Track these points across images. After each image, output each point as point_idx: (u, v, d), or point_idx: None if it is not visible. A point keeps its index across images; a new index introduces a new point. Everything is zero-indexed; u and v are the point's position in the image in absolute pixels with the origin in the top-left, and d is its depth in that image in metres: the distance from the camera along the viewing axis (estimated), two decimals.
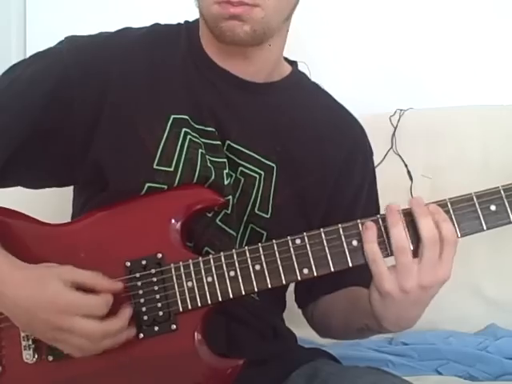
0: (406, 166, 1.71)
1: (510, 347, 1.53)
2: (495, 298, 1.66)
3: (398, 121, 1.73)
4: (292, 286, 1.22)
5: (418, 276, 0.92)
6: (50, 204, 1.41)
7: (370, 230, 0.94)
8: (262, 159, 1.12)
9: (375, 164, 1.62)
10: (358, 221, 0.96)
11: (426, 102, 1.80)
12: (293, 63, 1.24)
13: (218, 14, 1.04)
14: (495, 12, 1.88)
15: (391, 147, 1.71)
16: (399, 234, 0.93)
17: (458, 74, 1.88)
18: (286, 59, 1.24)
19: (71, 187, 1.21)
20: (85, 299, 0.95)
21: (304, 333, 1.35)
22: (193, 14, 1.16)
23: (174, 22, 1.20)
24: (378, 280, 0.93)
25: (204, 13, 1.08)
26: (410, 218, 0.94)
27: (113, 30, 1.19)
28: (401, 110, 1.75)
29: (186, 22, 1.20)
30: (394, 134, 1.72)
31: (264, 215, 1.12)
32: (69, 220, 1.17)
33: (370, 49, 1.89)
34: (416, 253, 0.93)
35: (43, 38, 1.17)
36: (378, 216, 0.96)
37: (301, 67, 1.25)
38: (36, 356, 1.01)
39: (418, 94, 1.84)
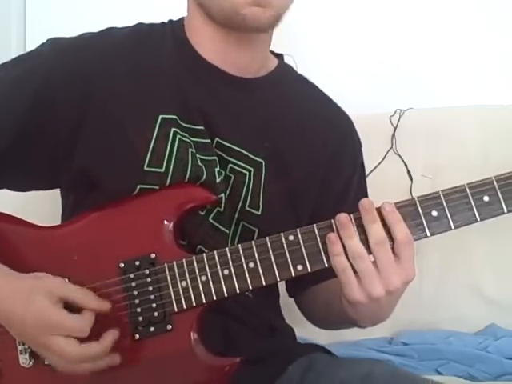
0: (406, 166, 1.70)
1: (510, 347, 1.52)
2: (495, 298, 1.65)
3: (398, 121, 1.72)
4: None
5: (383, 282, 0.92)
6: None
7: (333, 244, 0.94)
8: (251, 155, 1.11)
9: (375, 164, 1.65)
10: (351, 215, 0.95)
11: (426, 102, 1.79)
12: (279, 56, 1.24)
13: (241, 0, 1.03)
14: (495, 12, 1.87)
15: (391, 147, 1.71)
16: (354, 244, 0.93)
17: (458, 73, 1.87)
18: (272, 52, 1.23)
19: None
20: (68, 320, 0.95)
21: (304, 332, 1.36)
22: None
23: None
24: (347, 290, 0.94)
25: (219, 2, 1.05)
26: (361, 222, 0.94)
27: None
28: (401, 110, 1.74)
29: (170, 20, 1.19)
30: (393, 134, 1.71)
31: (255, 212, 1.11)
32: (59, 222, 1.17)
33: (371, 48, 1.89)
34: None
35: (43, 38, 1.16)
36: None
37: (287, 60, 1.25)
38: (32, 360, 1.01)
39: (418, 94, 1.83)
